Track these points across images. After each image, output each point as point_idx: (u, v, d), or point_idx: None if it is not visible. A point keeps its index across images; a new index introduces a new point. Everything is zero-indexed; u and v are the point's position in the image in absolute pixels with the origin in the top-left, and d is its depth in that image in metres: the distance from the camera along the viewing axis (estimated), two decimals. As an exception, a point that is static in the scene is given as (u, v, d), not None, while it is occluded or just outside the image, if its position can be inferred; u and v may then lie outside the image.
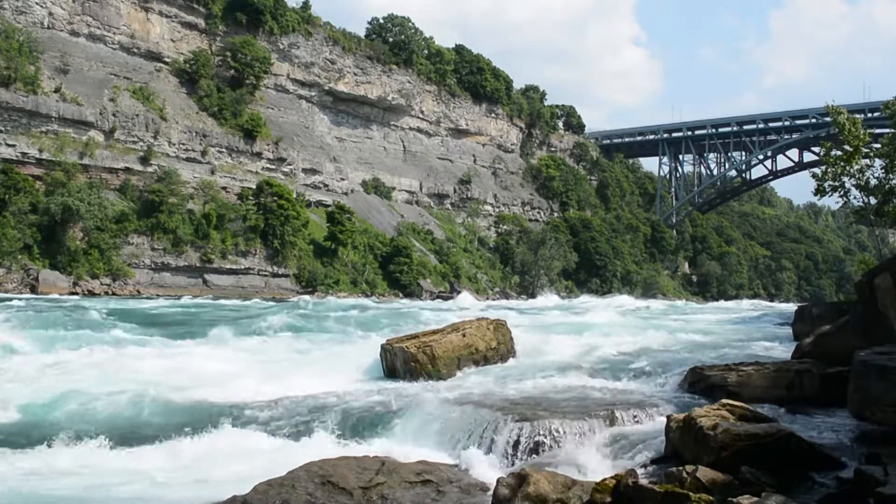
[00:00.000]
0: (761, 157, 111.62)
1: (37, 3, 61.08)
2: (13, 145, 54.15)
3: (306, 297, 59.03)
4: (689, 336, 21.80)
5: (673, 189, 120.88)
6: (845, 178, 26.54)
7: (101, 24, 65.57)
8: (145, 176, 61.57)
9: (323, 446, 9.88)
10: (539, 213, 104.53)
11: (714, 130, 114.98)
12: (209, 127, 69.25)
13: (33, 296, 44.34)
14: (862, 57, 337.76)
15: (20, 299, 36.69)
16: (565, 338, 19.83)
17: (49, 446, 10.17)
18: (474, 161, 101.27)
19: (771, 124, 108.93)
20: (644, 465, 7.99)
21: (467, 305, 49.92)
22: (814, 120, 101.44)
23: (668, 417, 8.41)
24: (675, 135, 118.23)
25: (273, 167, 73.97)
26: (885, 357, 8.01)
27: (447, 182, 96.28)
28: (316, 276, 67.61)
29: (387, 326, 24.07)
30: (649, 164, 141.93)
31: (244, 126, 71.53)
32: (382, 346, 15.61)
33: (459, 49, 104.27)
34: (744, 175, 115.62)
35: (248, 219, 65.03)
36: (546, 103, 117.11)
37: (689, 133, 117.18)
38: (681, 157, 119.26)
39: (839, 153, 26.74)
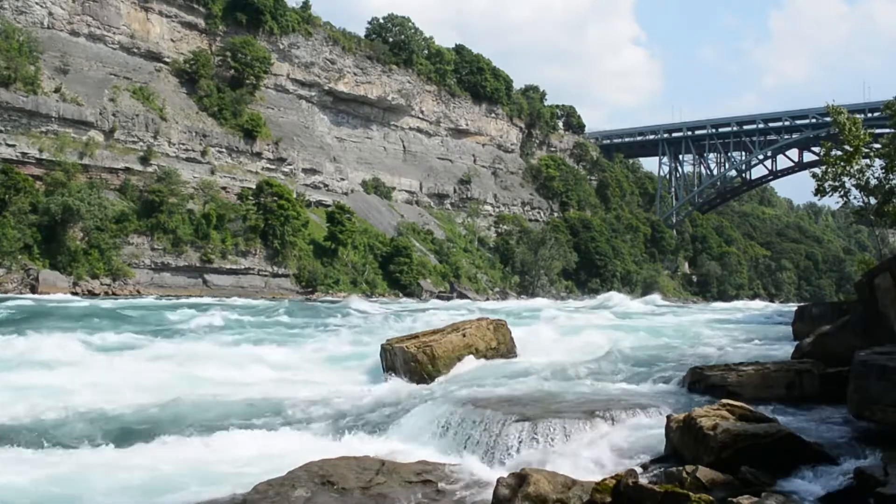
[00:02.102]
0: (761, 157, 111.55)
1: (37, 3, 61.09)
2: (13, 145, 54.19)
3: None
4: (689, 336, 21.80)
5: (673, 189, 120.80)
6: (845, 178, 26.54)
7: (101, 24, 65.58)
8: (145, 176, 61.58)
9: (323, 446, 9.87)
10: (539, 213, 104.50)
11: (714, 130, 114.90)
12: (209, 127, 69.25)
13: (33, 296, 44.32)
14: (862, 57, 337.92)
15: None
16: (565, 338, 19.83)
17: None
18: (474, 161, 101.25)
19: (771, 124, 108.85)
20: (644, 465, 7.99)
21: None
22: (814, 120, 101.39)
23: (668, 417, 8.41)
24: (675, 135, 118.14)
25: (273, 167, 73.97)
26: (885, 357, 8.00)
27: (447, 182, 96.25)
28: (316, 276, 67.60)
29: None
30: (649, 164, 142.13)
31: (244, 126, 71.53)
32: (382, 346, 15.61)
33: (459, 49, 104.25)
34: (744, 175, 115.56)
35: (248, 219, 65.03)
36: (546, 103, 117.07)
37: (689, 133, 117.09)
38: (681, 157, 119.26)
39: (839, 153, 26.74)
